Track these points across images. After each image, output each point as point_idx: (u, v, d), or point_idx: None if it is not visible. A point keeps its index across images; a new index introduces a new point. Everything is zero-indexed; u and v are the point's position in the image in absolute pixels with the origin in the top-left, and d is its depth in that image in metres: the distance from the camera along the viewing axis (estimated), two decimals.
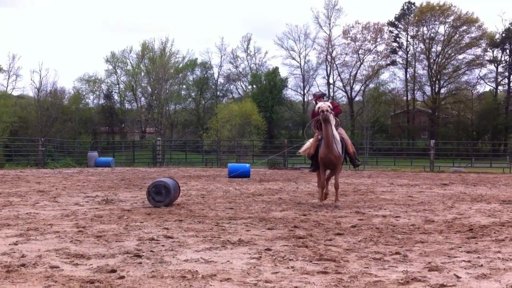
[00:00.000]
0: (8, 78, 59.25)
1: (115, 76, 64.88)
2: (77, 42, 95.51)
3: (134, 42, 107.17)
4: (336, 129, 10.61)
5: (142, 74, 63.37)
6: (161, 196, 10.21)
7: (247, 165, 21.56)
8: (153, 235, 6.93)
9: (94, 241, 6.49)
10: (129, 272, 4.93)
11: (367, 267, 5.23)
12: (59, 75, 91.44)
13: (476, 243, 6.62)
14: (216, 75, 68.83)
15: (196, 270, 4.99)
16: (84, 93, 63.69)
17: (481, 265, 5.35)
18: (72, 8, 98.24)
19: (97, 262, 5.34)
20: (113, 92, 65.41)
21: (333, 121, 10.37)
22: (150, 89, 61.64)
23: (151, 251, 5.90)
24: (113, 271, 4.94)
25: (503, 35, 59.40)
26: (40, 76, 56.63)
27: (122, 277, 4.73)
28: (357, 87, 65.54)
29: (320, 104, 10.28)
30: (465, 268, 5.22)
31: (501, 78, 61.46)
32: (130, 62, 64.92)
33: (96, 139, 54.51)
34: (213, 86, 68.80)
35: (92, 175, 21.39)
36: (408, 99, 64.16)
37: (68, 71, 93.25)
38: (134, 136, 65.67)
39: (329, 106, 10.13)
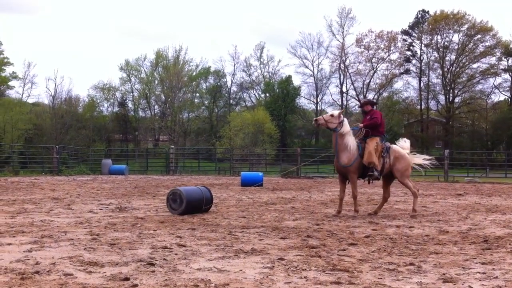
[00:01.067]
0: (24, 86, 60.03)
1: (129, 84, 65.37)
2: (92, 50, 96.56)
3: (148, 50, 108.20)
4: (363, 139, 10.73)
5: (156, 82, 63.74)
6: (176, 204, 10.30)
7: (260, 173, 21.54)
8: (166, 243, 6.94)
9: (108, 249, 6.52)
10: (142, 280, 4.94)
11: (381, 278, 5.20)
12: (74, 83, 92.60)
13: (491, 255, 6.55)
14: (229, 83, 69.13)
15: (209, 279, 4.99)
16: (98, 101, 64.21)
17: (496, 277, 5.29)
18: (87, 16, 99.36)
19: (110, 270, 5.36)
20: (127, 100, 65.89)
21: (343, 129, 10.52)
22: (163, 97, 61.96)
23: (164, 259, 5.91)
24: (126, 279, 4.96)
25: None
26: (55, 83, 57.25)
27: (135, 285, 4.75)
28: (370, 96, 65.20)
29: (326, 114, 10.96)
30: (480, 280, 5.17)
31: None
32: (144, 70, 65.44)
33: (110, 146, 54.80)
34: (226, 94, 69.02)
35: (106, 182, 21.50)
36: (422, 108, 63.82)
37: (82, 79, 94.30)
38: (147, 144, 65.96)
39: (324, 117, 10.77)
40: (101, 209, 11.15)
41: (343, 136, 10.55)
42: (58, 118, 52.88)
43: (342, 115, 10.77)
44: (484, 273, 5.48)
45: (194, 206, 10.47)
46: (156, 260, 5.83)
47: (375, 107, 11.59)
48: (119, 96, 65.35)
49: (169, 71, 59.55)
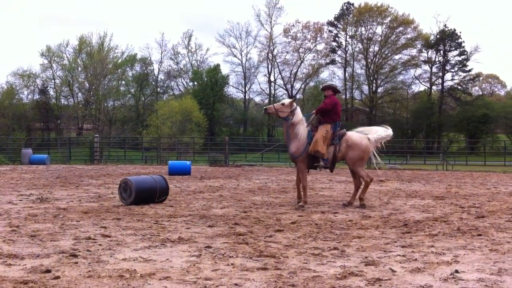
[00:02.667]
0: None
1: (51, 71, 62.81)
2: (11, 35, 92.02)
3: (71, 36, 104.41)
4: (315, 125, 10.42)
5: (79, 69, 61.65)
6: (126, 193, 10.05)
7: (188, 162, 21.40)
8: (90, 234, 6.77)
9: (28, 240, 6.28)
10: (65, 272, 4.80)
11: (306, 263, 5.30)
12: None
13: (411, 238, 6.83)
14: (156, 71, 67.97)
15: (135, 269, 4.91)
16: (18, 88, 61.39)
17: (415, 259, 5.52)
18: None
19: (31, 262, 5.17)
20: (49, 88, 63.35)
21: (295, 118, 10.28)
22: (87, 85, 60.10)
23: (88, 250, 5.76)
24: (48, 271, 4.80)
25: (438, 36, 61.50)
26: None
27: (57, 277, 4.60)
28: (297, 85, 66.32)
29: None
30: (400, 262, 5.38)
31: (435, 78, 63.64)
32: (67, 57, 63.01)
33: (30, 135, 52.69)
34: (153, 83, 67.85)
35: (26, 172, 20.67)
36: (347, 97, 65.45)
37: (1, 65, 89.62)
38: (70, 132, 63.81)
39: (274, 105, 10.58)
40: (21, 200, 10.71)
41: (295, 125, 10.30)
42: None
43: (294, 104, 10.52)
44: (404, 255, 5.70)
45: (145, 196, 10.21)
46: (79, 251, 5.67)
47: (336, 94, 11.07)
48: (40, 83, 62.73)
49: (93, 57, 57.75)
